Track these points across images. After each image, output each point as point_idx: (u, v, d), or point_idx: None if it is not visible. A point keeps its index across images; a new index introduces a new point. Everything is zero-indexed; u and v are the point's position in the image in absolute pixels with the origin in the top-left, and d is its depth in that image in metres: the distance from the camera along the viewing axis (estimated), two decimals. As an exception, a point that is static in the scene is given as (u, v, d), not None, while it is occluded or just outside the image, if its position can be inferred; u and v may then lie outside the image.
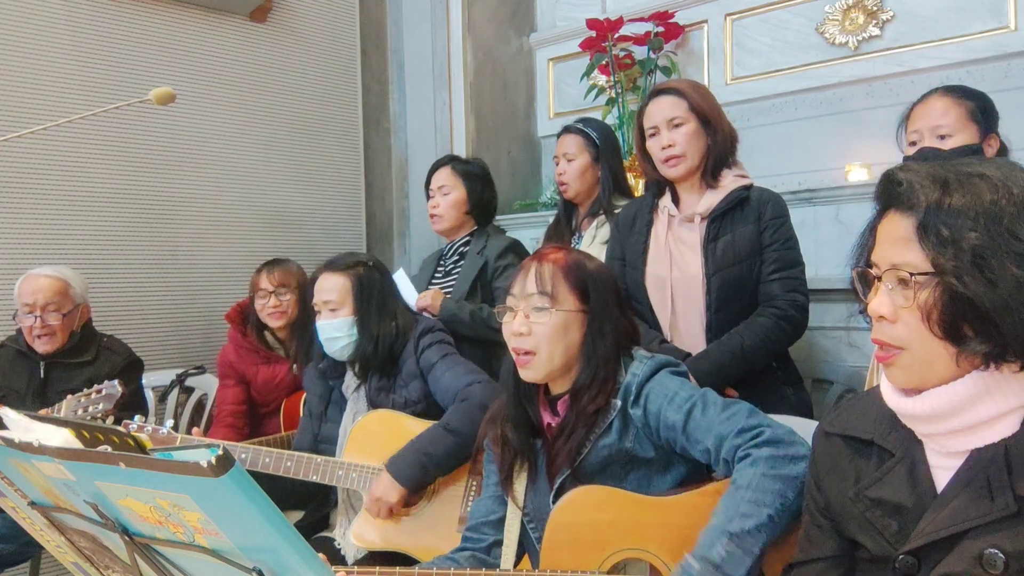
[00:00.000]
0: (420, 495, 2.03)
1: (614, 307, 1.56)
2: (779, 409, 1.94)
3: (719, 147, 2.06)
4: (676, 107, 2.05)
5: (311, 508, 2.39)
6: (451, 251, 2.82)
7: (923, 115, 1.87)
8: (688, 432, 1.44)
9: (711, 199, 2.06)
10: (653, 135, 2.09)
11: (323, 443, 2.26)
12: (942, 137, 1.83)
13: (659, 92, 2.12)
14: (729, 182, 2.07)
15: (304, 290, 2.75)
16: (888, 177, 1.02)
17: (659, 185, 2.16)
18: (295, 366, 2.73)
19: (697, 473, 1.55)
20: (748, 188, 2.07)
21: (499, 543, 1.63)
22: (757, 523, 1.28)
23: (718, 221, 2.04)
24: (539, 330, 1.51)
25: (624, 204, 2.62)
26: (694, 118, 2.05)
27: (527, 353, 1.52)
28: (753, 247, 2.02)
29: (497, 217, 3.61)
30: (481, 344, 2.57)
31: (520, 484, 1.62)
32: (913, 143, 1.88)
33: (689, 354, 2.03)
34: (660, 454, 1.52)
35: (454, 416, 2.00)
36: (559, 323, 1.51)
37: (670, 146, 2.04)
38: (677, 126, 2.05)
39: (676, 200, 2.13)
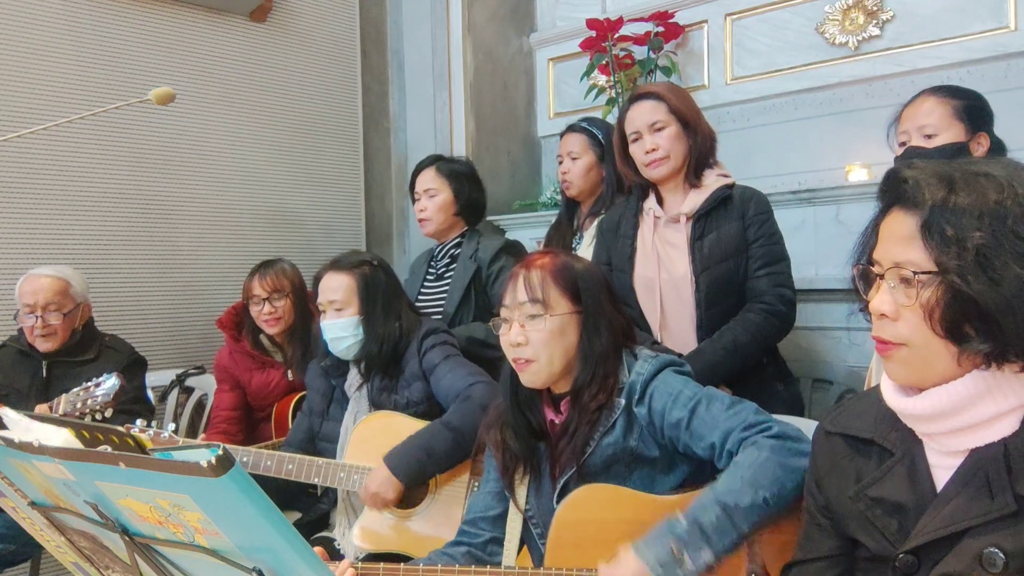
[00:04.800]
0: (422, 496, 2.03)
1: (607, 304, 1.56)
2: (772, 405, 1.96)
3: (700, 148, 2.10)
4: (656, 111, 2.09)
5: (309, 508, 2.39)
6: (442, 253, 2.70)
7: (911, 116, 1.91)
8: (692, 428, 1.44)
9: (695, 199, 2.09)
10: (636, 140, 2.12)
11: (323, 441, 2.25)
12: (928, 136, 1.86)
13: (638, 97, 2.14)
14: (712, 181, 2.11)
15: (299, 292, 2.73)
16: (894, 174, 1.01)
17: (642, 188, 2.19)
18: (290, 372, 2.71)
19: (700, 474, 1.54)
20: (731, 187, 2.11)
21: (495, 540, 1.63)
22: (751, 502, 1.29)
23: (703, 220, 2.07)
24: (536, 337, 1.51)
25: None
26: (675, 121, 2.08)
27: (527, 361, 1.52)
28: (739, 244, 2.05)
29: (497, 217, 3.62)
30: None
31: (522, 487, 1.62)
32: (903, 143, 1.91)
33: (680, 355, 2.02)
34: (664, 453, 1.52)
35: (455, 414, 2.00)
36: (555, 328, 1.51)
37: (653, 150, 2.08)
38: (659, 130, 2.09)
39: (660, 202, 2.16)
